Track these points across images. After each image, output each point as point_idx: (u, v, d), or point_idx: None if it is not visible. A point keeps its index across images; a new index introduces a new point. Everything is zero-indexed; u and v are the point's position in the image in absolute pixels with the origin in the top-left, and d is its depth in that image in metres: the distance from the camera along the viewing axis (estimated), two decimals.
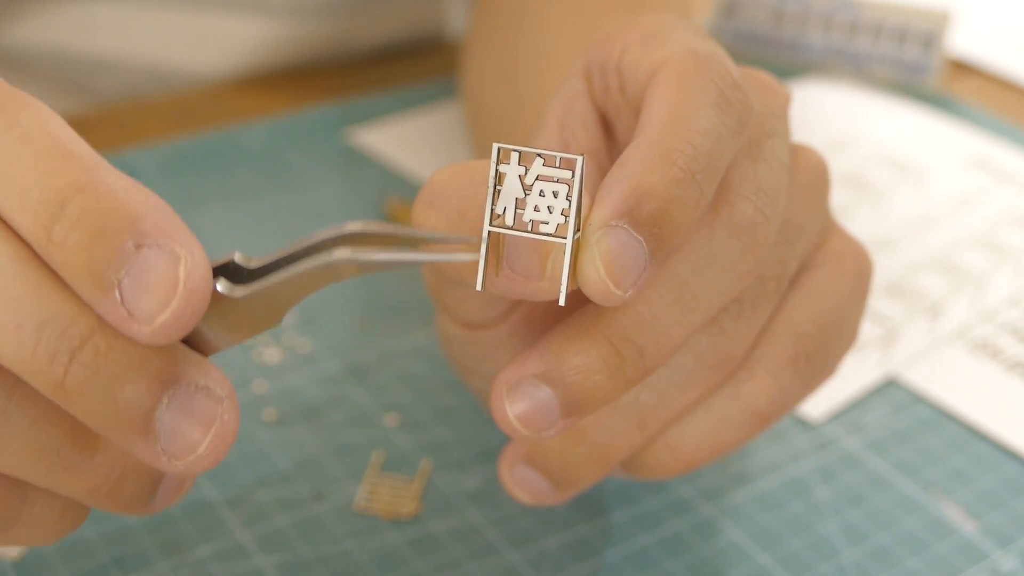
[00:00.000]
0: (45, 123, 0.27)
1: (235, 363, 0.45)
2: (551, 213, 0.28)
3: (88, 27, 0.64)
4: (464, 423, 0.43)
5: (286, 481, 0.40)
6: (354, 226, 0.27)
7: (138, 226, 0.25)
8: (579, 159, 0.27)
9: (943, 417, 0.46)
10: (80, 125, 0.63)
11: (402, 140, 0.61)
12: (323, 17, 0.66)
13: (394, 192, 0.56)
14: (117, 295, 0.25)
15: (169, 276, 0.25)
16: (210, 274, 0.26)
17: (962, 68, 0.74)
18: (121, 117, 0.62)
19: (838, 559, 0.39)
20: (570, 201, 0.28)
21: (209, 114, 0.63)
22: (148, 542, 0.37)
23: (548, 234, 0.28)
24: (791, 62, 0.72)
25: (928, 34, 0.69)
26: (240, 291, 0.27)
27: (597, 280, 0.28)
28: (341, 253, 0.26)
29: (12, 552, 0.36)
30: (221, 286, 0.26)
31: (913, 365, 0.48)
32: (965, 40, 0.75)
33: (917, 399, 0.46)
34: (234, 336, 0.27)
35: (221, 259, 0.27)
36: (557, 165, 0.28)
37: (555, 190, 0.28)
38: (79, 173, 0.26)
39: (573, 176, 0.28)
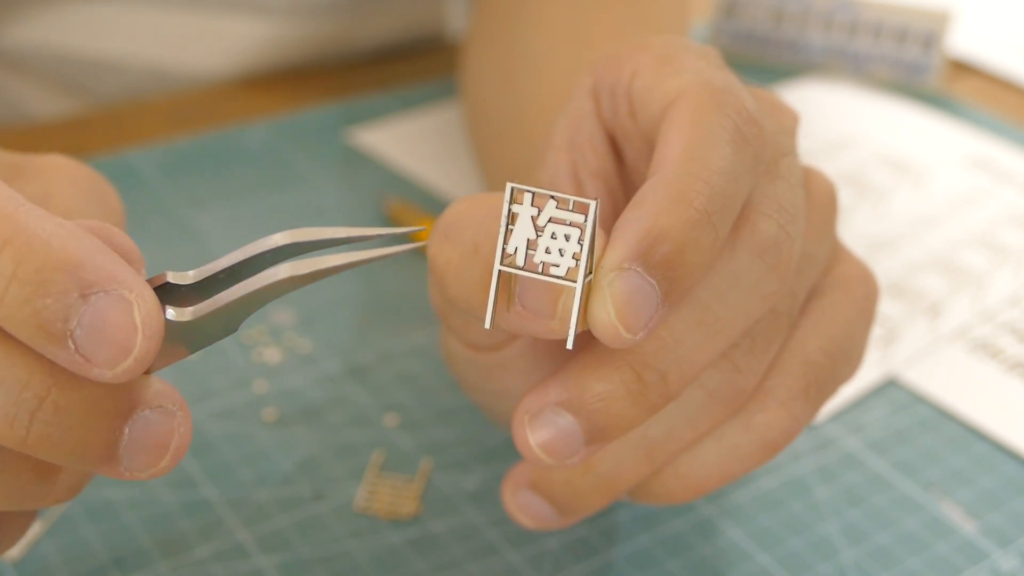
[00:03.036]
0: None
1: (235, 363, 0.45)
2: (562, 256, 0.28)
3: (88, 27, 0.64)
4: (464, 423, 0.43)
5: (286, 481, 0.40)
6: (282, 237, 0.27)
7: (81, 274, 0.25)
8: (592, 204, 0.27)
9: (943, 417, 0.46)
10: (80, 125, 0.63)
11: (402, 140, 0.61)
12: (323, 17, 0.66)
13: (394, 192, 0.56)
14: (71, 344, 0.25)
15: (125, 322, 0.25)
16: (161, 311, 0.26)
17: (962, 68, 0.74)
18: (121, 117, 0.62)
19: (838, 559, 0.39)
20: (582, 245, 0.27)
21: (209, 114, 0.63)
22: (148, 542, 0.37)
23: (558, 277, 0.28)
24: (791, 62, 0.72)
25: (928, 34, 0.69)
26: (188, 315, 0.27)
27: (608, 323, 0.28)
28: (285, 270, 0.27)
29: (12, 552, 0.36)
30: (170, 313, 0.26)
31: (913, 365, 0.48)
32: (965, 40, 0.75)
33: (917, 399, 0.46)
34: (182, 352, 0.28)
35: (155, 279, 0.27)
36: (570, 208, 0.27)
37: (567, 233, 0.27)
38: (3, 223, 0.25)
39: (586, 220, 0.27)
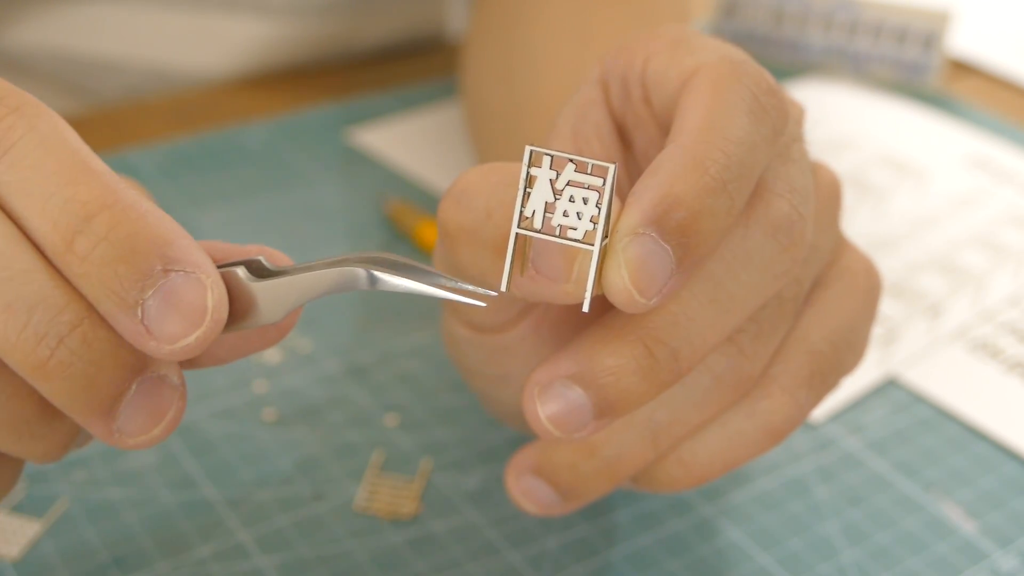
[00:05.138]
0: (63, 133, 0.27)
1: (235, 363, 0.45)
2: (580, 219, 0.28)
3: (89, 28, 0.64)
4: (464, 423, 0.43)
5: (286, 481, 0.40)
6: (372, 253, 0.28)
7: (166, 251, 0.26)
8: (611, 167, 0.27)
9: (943, 417, 0.46)
10: (80, 125, 0.63)
11: (402, 140, 0.61)
12: (323, 17, 0.66)
13: (394, 192, 0.56)
14: (139, 313, 0.26)
15: (198, 303, 0.26)
16: (227, 304, 0.27)
17: (962, 68, 0.74)
18: (121, 117, 0.62)
19: (838, 559, 0.39)
20: (599, 208, 0.28)
21: (209, 114, 0.63)
22: (148, 542, 0.37)
23: (576, 240, 0.28)
24: (791, 62, 0.72)
25: (928, 34, 0.69)
26: (257, 279, 0.28)
27: (622, 287, 0.28)
28: (361, 268, 0.28)
29: (12, 552, 0.36)
30: (243, 271, 0.28)
31: (913, 365, 0.48)
32: (965, 40, 0.75)
33: (917, 399, 0.46)
34: (233, 327, 0.29)
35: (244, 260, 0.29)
36: (589, 172, 0.28)
37: (585, 196, 0.28)
38: (104, 190, 0.26)
39: (604, 183, 0.27)
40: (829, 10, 0.71)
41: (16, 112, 0.27)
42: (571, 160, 0.28)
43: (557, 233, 0.28)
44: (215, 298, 0.27)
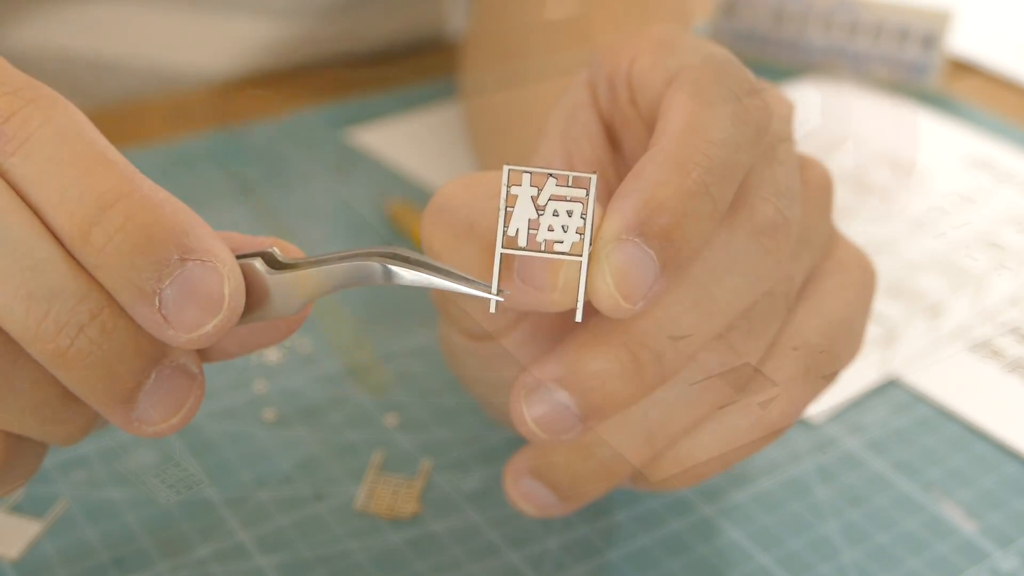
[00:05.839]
0: (79, 124, 0.27)
1: (235, 363, 0.45)
2: (565, 232, 0.28)
3: (89, 28, 0.64)
4: (464, 423, 0.43)
5: (286, 481, 0.40)
6: (384, 247, 0.29)
7: (183, 240, 0.26)
8: (592, 178, 0.27)
9: (943, 417, 0.46)
10: None
11: (402, 140, 0.61)
12: (323, 17, 0.66)
13: (393, 192, 0.56)
14: (156, 302, 0.26)
15: (215, 291, 0.27)
16: (244, 293, 0.27)
17: (962, 68, 0.74)
18: (121, 117, 0.62)
19: (838, 559, 0.39)
20: (584, 219, 0.28)
21: (209, 114, 0.63)
22: (148, 542, 0.37)
23: (563, 253, 0.28)
24: (791, 62, 0.72)
25: (928, 34, 0.69)
26: (274, 272, 0.28)
27: (607, 294, 0.28)
28: (376, 262, 0.28)
29: (12, 552, 0.36)
30: (259, 264, 0.28)
31: (913, 365, 0.48)
32: (965, 40, 0.75)
33: (917, 399, 0.46)
34: (247, 319, 0.29)
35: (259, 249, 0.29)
36: (570, 184, 0.28)
37: (569, 209, 0.28)
38: (120, 180, 0.26)
39: (587, 195, 0.28)
40: (829, 10, 0.71)
41: (32, 104, 0.27)
42: (551, 175, 0.28)
43: (543, 248, 0.28)
44: (232, 286, 0.27)
